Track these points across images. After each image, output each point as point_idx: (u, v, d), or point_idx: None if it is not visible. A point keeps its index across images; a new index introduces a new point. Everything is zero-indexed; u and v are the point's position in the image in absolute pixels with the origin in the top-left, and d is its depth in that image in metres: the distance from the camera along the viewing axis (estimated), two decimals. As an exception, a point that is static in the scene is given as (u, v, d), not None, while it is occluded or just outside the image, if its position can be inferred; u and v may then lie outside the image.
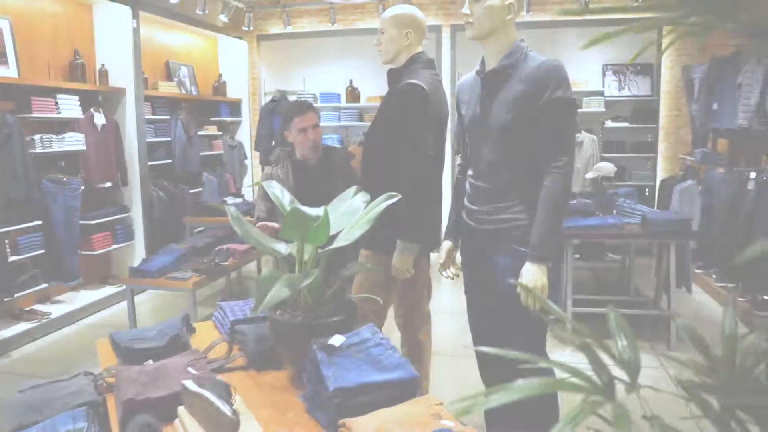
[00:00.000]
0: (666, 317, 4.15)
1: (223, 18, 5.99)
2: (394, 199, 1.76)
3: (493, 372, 2.16)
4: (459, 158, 2.27)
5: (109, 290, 5.17)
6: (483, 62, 2.00)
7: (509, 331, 1.94)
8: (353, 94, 7.17)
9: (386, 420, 1.36)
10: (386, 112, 2.28)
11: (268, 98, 7.43)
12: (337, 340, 1.63)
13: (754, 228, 4.20)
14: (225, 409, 1.32)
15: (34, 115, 4.27)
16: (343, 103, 7.21)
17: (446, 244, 2.20)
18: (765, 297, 4.37)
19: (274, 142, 7.16)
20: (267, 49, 7.63)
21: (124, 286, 5.22)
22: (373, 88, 7.29)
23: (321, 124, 7.70)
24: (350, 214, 1.87)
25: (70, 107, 4.66)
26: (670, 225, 3.71)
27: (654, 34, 6.20)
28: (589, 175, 5.29)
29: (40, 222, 4.35)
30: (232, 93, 7.37)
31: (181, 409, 1.50)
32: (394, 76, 2.37)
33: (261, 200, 2.88)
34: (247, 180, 7.63)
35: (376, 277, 2.31)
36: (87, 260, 5.09)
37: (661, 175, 6.68)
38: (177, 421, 1.50)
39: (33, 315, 4.35)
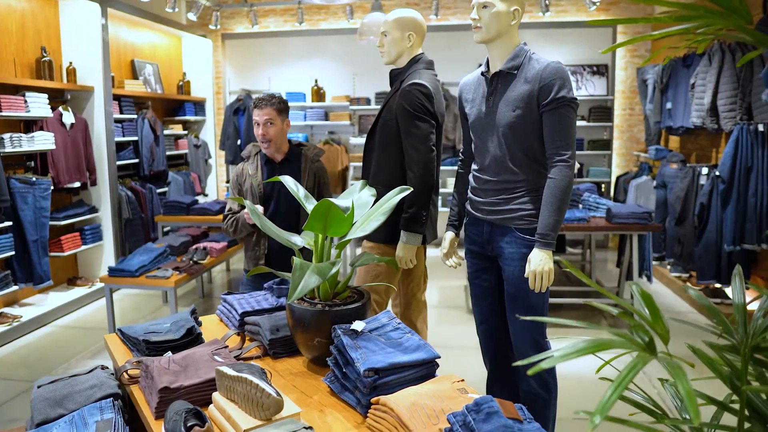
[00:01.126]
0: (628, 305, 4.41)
1: (191, 16, 5.95)
2: (407, 193, 1.87)
3: (498, 353, 2.30)
4: (460, 153, 2.41)
5: (78, 292, 5.07)
6: (487, 64, 2.13)
7: (514, 314, 2.09)
8: (319, 93, 7.23)
9: (418, 395, 1.47)
10: (391, 110, 2.39)
11: (233, 97, 7.41)
12: (358, 325, 1.73)
13: (708, 220, 4.51)
14: (270, 390, 1.41)
15: (4, 113, 4.17)
16: (309, 103, 7.26)
17: (449, 235, 2.34)
18: (717, 285, 4.70)
19: (239, 141, 7.16)
20: (231, 48, 7.59)
21: (93, 288, 5.17)
22: (338, 87, 7.38)
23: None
24: (360, 207, 1.98)
25: (39, 106, 4.55)
26: (634, 217, 3.96)
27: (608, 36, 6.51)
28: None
29: (10, 223, 4.25)
30: (196, 92, 7.31)
31: (217, 395, 1.58)
32: (396, 76, 2.48)
33: (233, 194, 2.92)
34: (211, 179, 7.58)
35: (379, 268, 2.42)
36: (53, 262, 4.98)
37: (616, 171, 7.03)
38: (212, 406, 1.58)
39: (4, 318, 4.24)
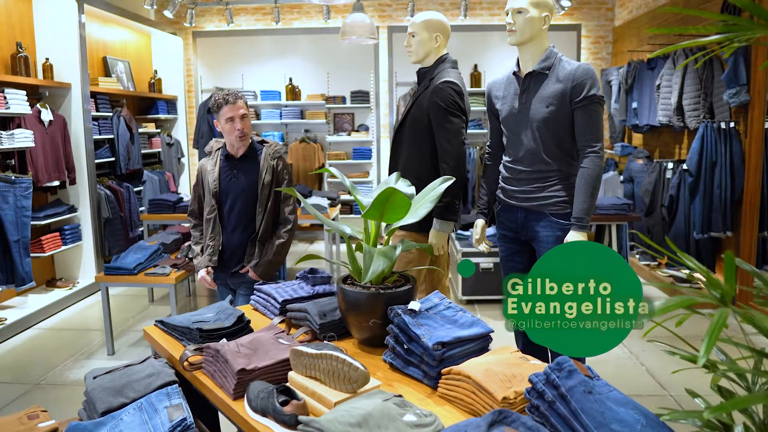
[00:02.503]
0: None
1: (167, 14, 5.88)
2: (451, 182, 2.00)
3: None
4: (488, 147, 2.55)
5: (59, 293, 4.95)
6: (518, 64, 2.29)
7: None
8: (294, 92, 7.26)
9: (488, 363, 1.60)
10: (421, 106, 2.50)
11: (206, 96, 7.35)
12: (415, 305, 1.85)
13: (677, 210, 4.83)
14: (357, 363, 1.50)
15: (-15, 110, 4.05)
16: (284, 101, 7.28)
17: (480, 222, 2.49)
18: (686, 271, 5.04)
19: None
20: (203, 47, 7.52)
21: (74, 289, 5.07)
22: (312, 86, 7.42)
23: (262, 121, 7.65)
24: (401, 197, 2.08)
25: (18, 102, 4.43)
26: (615, 208, 4.21)
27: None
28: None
29: (-8, 223, 4.14)
30: (167, 90, 7.21)
31: (293, 374, 1.66)
32: (424, 74, 2.59)
33: (193, 191, 2.94)
34: (184, 178, 7.49)
35: (411, 255, 2.53)
36: (32, 263, 4.84)
37: (581, 167, 7.35)
38: (289, 384, 1.65)
39: (-12, 321, 4.12)
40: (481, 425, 1.21)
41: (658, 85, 5.22)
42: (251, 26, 7.38)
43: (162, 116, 6.96)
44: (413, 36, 2.56)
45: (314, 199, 5.07)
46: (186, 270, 4.01)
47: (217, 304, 2.30)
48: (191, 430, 1.66)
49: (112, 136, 5.79)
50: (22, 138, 4.45)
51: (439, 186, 1.97)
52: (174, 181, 7.01)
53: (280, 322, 2.20)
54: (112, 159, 5.83)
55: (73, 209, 5.17)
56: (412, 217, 1.93)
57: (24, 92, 4.51)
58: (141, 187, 6.30)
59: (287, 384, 1.58)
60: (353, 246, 2.00)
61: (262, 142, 2.94)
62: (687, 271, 5.07)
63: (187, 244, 4.43)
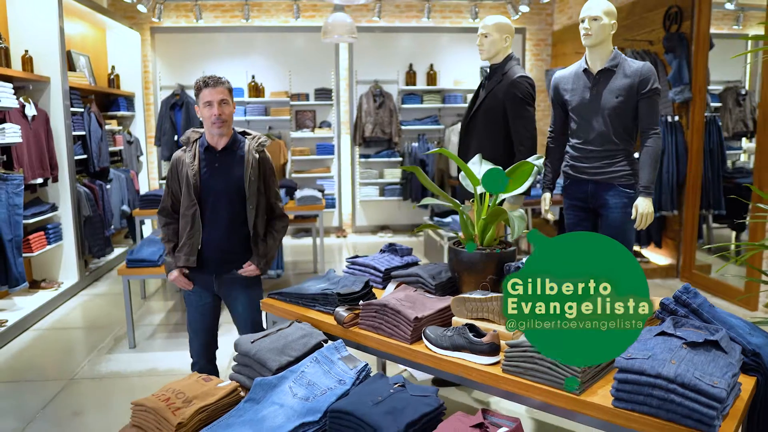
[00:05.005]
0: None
1: (142, 8, 5.79)
2: (541, 160, 2.37)
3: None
4: (550, 131, 2.97)
5: (45, 295, 4.78)
6: (586, 62, 2.72)
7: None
8: (257, 89, 7.33)
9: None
10: (496, 97, 2.85)
11: (166, 93, 7.24)
12: (530, 261, 2.20)
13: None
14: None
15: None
16: (246, 98, 7.32)
17: (547, 195, 2.94)
18: (636, 248, 5.75)
19: (176, 137, 7.04)
20: (162, 43, 7.39)
21: (60, 290, 4.92)
22: (275, 83, 7.51)
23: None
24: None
25: (6, 96, 4.26)
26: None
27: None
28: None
29: (-12, 221, 3.99)
30: (125, 86, 7.03)
31: (457, 318, 1.95)
32: (495, 70, 2.94)
33: (166, 187, 2.73)
34: (142, 176, 7.32)
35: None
36: (16, 264, 4.66)
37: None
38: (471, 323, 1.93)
39: (-9, 322, 3.97)
40: (669, 326, 1.58)
41: (608, 84, 5.90)
42: (210, 23, 7.36)
43: (121, 113, 6.78)
44: (486, 36, 2.91)
45: (306, 191, 5.26)
46: (206, 260, 4.08)
47: (324, 276, 2.52)
48: (371, 375, 1.92)
49: (83, 133, 5.62)
50: (11, 133, 4.29)
51: (536, 162, 2.33)
52: (136, 179, 6.86)
53: (397, 286, 2.45)
54: (84, 156, 5.66)
55: (54, 208, 5.01)
56: (520, 188, 2.28)
57: (11, 85, 4.35)
58: (108, 186, 6.14)
59: (471, 323, 1.87)
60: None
61: (245, 133, 2.73)
62: (637, 248, 5.80)
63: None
